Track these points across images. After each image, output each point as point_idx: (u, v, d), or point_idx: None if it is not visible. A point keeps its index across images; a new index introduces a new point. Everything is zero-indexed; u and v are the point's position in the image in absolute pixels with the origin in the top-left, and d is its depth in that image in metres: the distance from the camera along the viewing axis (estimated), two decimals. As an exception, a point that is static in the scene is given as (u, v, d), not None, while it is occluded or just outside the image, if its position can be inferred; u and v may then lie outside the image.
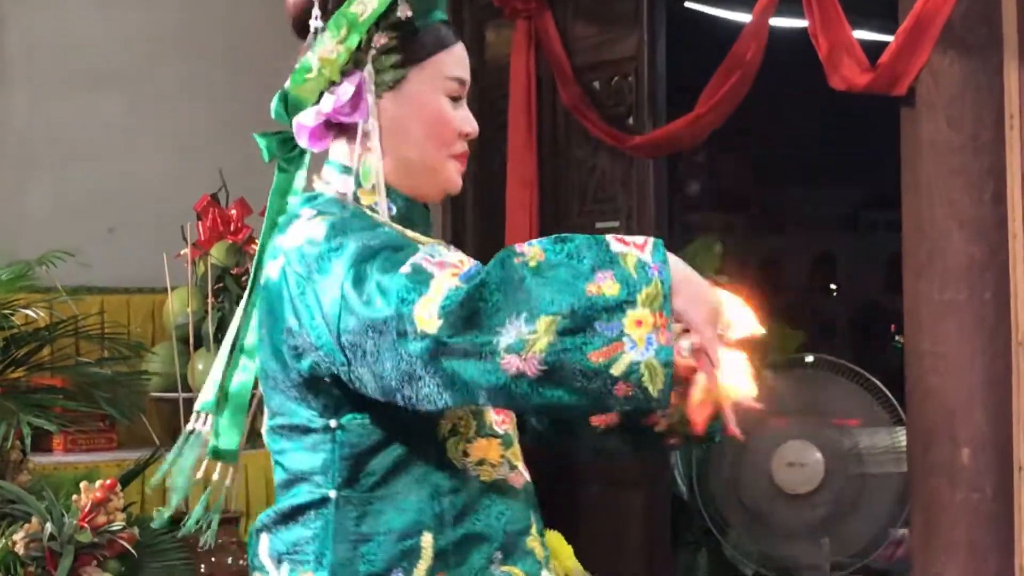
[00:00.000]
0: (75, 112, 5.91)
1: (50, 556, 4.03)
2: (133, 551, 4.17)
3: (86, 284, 5.18)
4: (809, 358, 6.58)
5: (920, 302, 4.77)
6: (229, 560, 4.55)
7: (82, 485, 4.16)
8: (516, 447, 2.17)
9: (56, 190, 5.86)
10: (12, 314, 4.46)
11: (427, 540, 2.07)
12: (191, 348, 4.97)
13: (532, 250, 1.86)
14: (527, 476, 2.17)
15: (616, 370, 1.80)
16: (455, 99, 2.19)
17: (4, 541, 4.05)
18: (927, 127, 4.75)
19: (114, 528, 4.13)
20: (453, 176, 2.20)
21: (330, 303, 1.96)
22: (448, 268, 1.88)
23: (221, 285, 5.23)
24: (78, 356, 4.98)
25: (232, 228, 5.42)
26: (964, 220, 4.66)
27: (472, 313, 1.83)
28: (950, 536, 4.68)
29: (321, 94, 2.17)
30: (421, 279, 1.87)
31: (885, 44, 4.90)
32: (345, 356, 1.96)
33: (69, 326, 4.75)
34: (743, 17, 6.14)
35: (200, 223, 5.40)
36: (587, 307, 1.81)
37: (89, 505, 4.11)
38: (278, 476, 2.17)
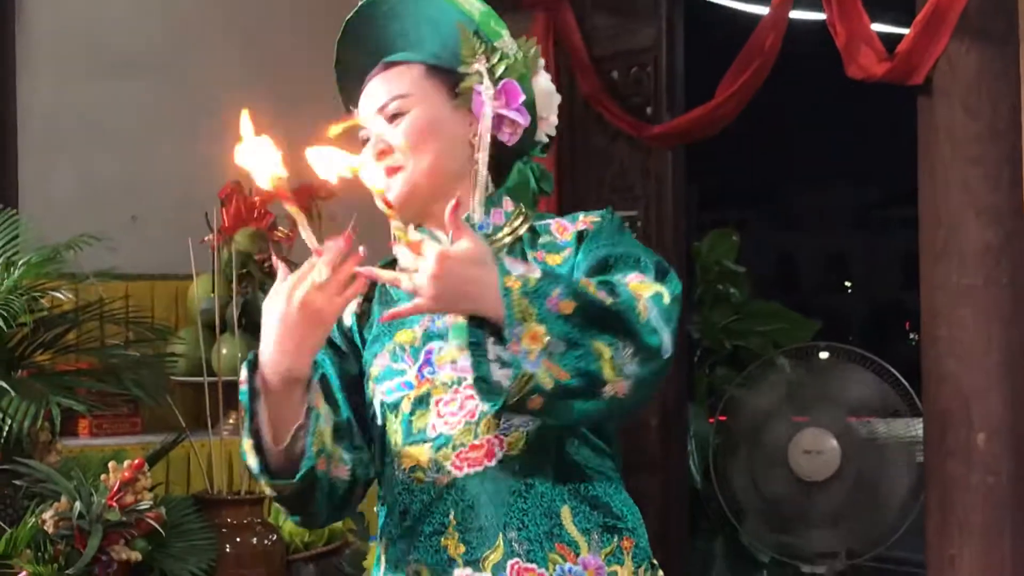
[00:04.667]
0: (99, 98, 5.96)
1: (79, 534, 4.07)
2: (160, 530, 4.22)
3: (111, 269, 5.23)
4: (824, 354, 6.62)
5: (936, 288, 4.82)
6: (254, 540, 4.60)
7: (110, 465, 4.21)
8: (452, 448, 2.19)
9: (81, 176, 5.90)
10: (41, 296, 4.50)
11: (383, 545, 2.28)
12: (217, 333, 5.03)
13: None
14: (461, 472, 2.18)
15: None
16: (366, 142, 2.32)
17: (34, 519, 4.10)
18: (943, 115, 4.80)
19: (142, 507, 4.18)
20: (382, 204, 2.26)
21: None
22: None
23: (245, 271, 5.28)
24: (103, 340, 5.03)
25: (256, 215, 5.46)
26: (980, 207, 4.70)
27: None
28: (965, 519, 4.73)
29: None
30: None
31: (900, 38, 4.95)
32: None
33: (95, 309, 4.80)
34: (761, 9, 6.19)
35: (224, 210, 5.45)
36: None
37: (117, 484, 4.16)
38: None
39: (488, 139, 2.32)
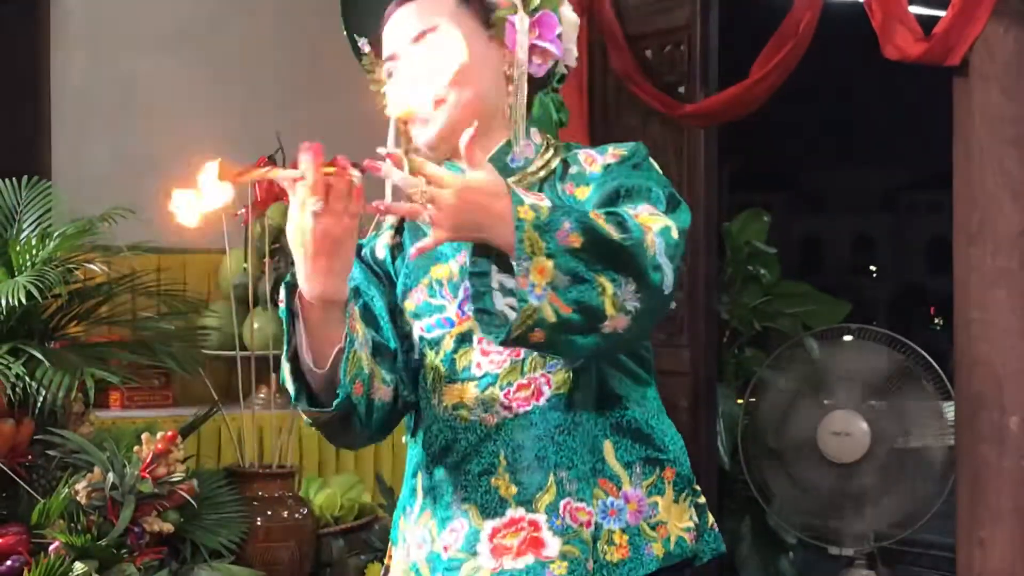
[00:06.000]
0: (133, 71, 5.98)
1: (111, 505, 4.09)
2: (192, 502, 4.24)
3: (144, 242, 5.24)
4: (849, 336, 6.59)
5: (970, 270, 4.80)
6: (285, 513, 4.62)
7: (143, 436, 4.23)
8: (499, 388, 2.19)
9: (114, 149, 5.92)
10: (75, 268, 4.52)
11: (419, 480, 2.27)
12: (250, 306, 5.04)
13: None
14: (510, 413, 2.18)
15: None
16: (393, 74, 2.29)
17: (67, 490, 4.12)
18: (980, 97, 4.78)
19: (174, 479, 4.20)
20: (417, 138, 2.26)
21: None
22: None
23: (277, 246, 5.28)
24: (135, 312, 5.05)
25: (289, 190, 5.46)
26: (1016, 189, 4.68)
27: None
28: (996, 503, 4.72)
29: None
30: None
31: (936, 20, 4.93)
32: None
33: (128, 282, 4.82)
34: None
35: (257, 184, 5.44)
36: None
37: (150, 456, 4.18)
38: None
39: (525, 72, 2.29)
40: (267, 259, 5.11)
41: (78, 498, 4.10)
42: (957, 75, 4.86)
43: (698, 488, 2.27)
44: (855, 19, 5.13)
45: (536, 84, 2.34)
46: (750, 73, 5.61)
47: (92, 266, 4.58)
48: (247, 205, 5.18)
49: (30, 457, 4.30)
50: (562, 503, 2.15)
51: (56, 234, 4.48)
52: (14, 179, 4.70)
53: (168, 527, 4.18)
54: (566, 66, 2.37)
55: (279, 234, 5.32)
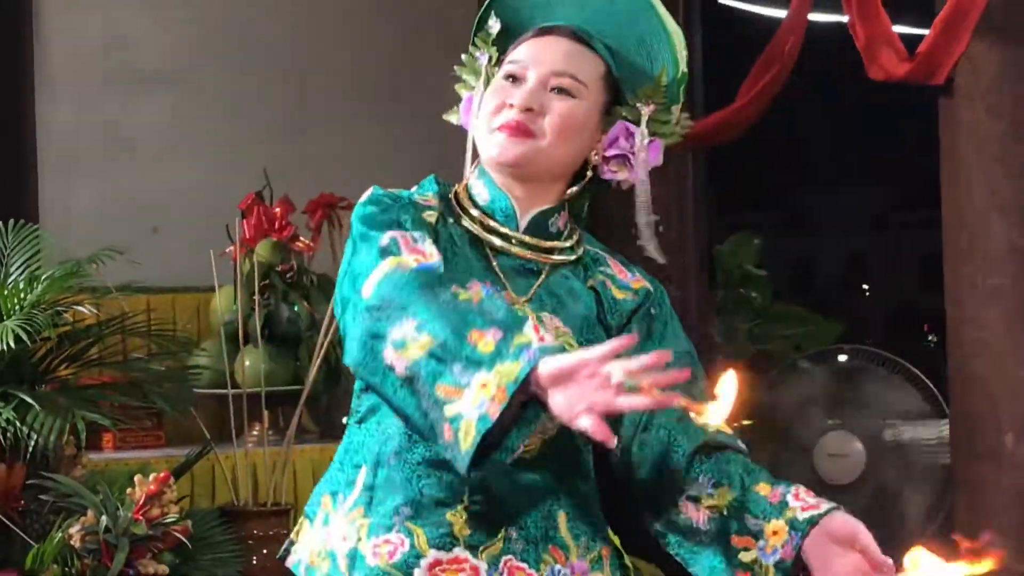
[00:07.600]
0: (119, 112, 5.99)
1: (106, 548, 4.07)
2: (187, 543, 4.21)
3: (132, 283, 5.23)
4: (842, 357, 6.59)
5: (962, 289, 4.80)
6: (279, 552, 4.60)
7: (136, 478, 4.21)
8: None
9: (101, 190, 5.92)
10: (64, 311, 4.50)
11: (361, 474, 2.23)
12: (240, 344, 5.02)
13: (474, 289, 2.13)
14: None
15: (448, 411, 1.97)
16: (515, 78, 2.29)
17: (60, 534, 4.10)
18: (966, 115, 4.79)
19: (168, 520, 4.18)
20: (493, 146, 2.28)
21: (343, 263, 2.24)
22: (414, 253, 2.14)
23: (267, 282, 5.28)
24: (126, 353, 5.03)
25: (276, 226, 5.46)
26: (1005, 207, 4.69)
27: (391, 297, 2.07)
28: (995, 521, 4.71)
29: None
30: (388, 252, 2.14)
31: (921, 39, 4.94)
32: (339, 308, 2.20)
33: (118, 323, 4.80)
34: (778, 13, 6.17)
35: (245, 221, 5.44)
36: (457, 348, 1.98)
37: (143, 498, 4.16)
38: None
39: (647, 187, 2.33)
40: (256, 296, 5.11)
41: (72, 542, 4.08)
42: (942, 95, 4.87)
43: (629, 565, 2.33)
44: (840, 40, 5.13)
45: (594, 181, 2.35)
46: (737, 97, 5.61)
47: (81, 308, 4.55)
48: (235, 242, 5.18)
49: (23, 502, 4.28)
50: (504, 559, 2.18)
51: (44, 277, 4.47)
52: (1, 223, 4.68)
53: (163, 569, 4.16)
54: (619, 182, 2.37)
55: (268, 270, 5.32)
